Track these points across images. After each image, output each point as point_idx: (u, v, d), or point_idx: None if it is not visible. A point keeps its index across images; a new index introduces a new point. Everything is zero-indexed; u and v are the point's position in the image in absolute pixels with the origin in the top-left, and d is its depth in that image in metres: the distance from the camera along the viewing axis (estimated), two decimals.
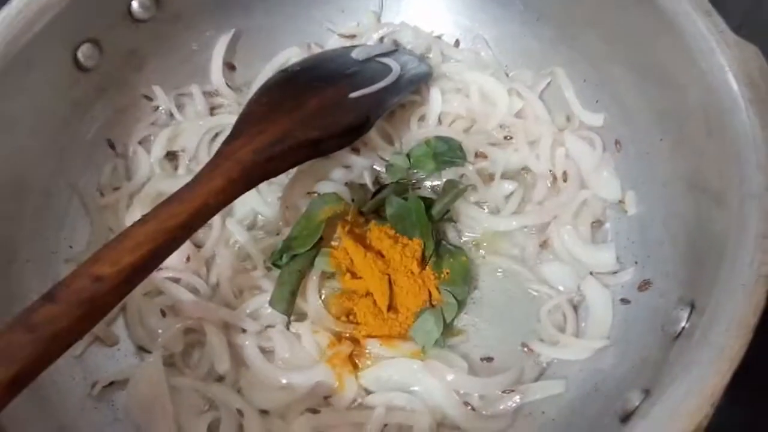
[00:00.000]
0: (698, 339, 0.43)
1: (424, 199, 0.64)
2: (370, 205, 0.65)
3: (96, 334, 0.61)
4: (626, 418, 0.45)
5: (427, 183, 0.70)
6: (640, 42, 0.62)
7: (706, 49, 0.53)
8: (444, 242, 0.65)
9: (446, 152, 0.69)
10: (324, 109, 0.62)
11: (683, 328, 0.48)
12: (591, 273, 0.63)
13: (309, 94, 0.63)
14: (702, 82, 0.53)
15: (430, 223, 0.64)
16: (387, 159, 0.70)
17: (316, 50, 0.78)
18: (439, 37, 0.79)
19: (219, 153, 0.55)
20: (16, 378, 0.39)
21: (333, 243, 0.64)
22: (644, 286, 0.60)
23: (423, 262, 0.63)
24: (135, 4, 0.65)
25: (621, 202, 0.66)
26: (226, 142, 0.56)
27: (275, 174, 0.58)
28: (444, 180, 0.69)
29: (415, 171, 0.70)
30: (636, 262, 0.62)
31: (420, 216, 0.64)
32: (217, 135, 0.73)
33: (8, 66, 0.56)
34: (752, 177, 0.48)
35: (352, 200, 0.65)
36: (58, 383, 0.57)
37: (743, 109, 0.50)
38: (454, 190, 0.65)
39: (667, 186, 0.60)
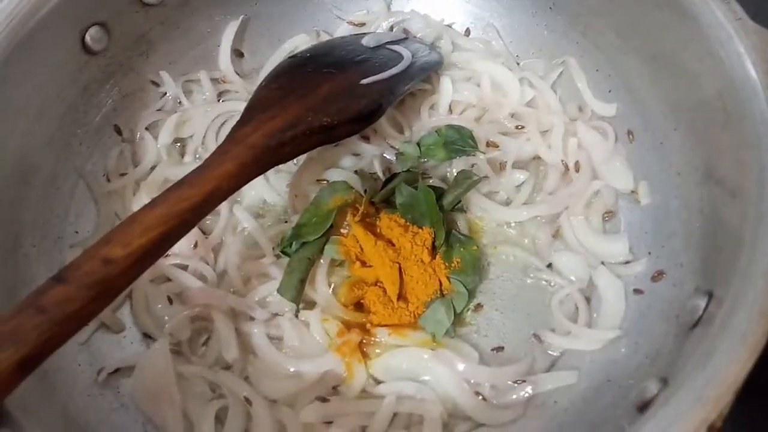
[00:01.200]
0: (718, 328, 0.43)
1: (434, 188, 0.64)
2: (381, 195, 0.65)
3: (102, 320, 0.60)
4: (644, 407, 0.44)
5: (438, 172, 0.70)
6: (654, 31, 0.61)
7: (724, 36, 0.53)
8: (455, 231, 0.64)
9: (457, 141, 0.69)
10: (335, 96, 0.61)
11: (700, 317, 0.48)
12: (603, 263, 0.62)
13: (320, 80, 0.62)
14: (719, 71, 0.53)
15: (441, 212, 0.63)
16: (397, 147, 0.69)
17: (325, 38, 0.78)
18: (449, 25, 0.78)
19: (230, 137, 0.54)
20: (26, 359, 0.38)
21: (343, 231, 0.63)
22: (658, 276, 0.59)
23: (433, 251, 0.62)
24: None
25: (634, 192, 0.65)
26: (237, 126, 0.55)
27: (286, 160, 0.58)
28: (455, 169, 0.68)
29: (425, 160, 0.69)
30: (649, 253, 0.61)
31: (430, 205, 0.63)
32: (225, 122, 0.72)
33: (15, 49, 0.55)
34: None
35: (364, 190, 0.64)
36: (64, 369, 0.56)
37: (763, 97, 0.50)
38: (467, 181, 0.65)
39: (682, 176, 0.60)
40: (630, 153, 0.67)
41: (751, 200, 0.48)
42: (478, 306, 0.62)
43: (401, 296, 0.60)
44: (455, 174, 0.67)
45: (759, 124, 0.49)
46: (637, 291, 0.60)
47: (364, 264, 0.61)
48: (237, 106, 0.71)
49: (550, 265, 0.64)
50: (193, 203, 0.48)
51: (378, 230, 0.63)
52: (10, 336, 0.38)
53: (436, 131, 0.70)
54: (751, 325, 0.40)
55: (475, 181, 0.65)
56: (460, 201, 0.66)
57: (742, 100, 0.51)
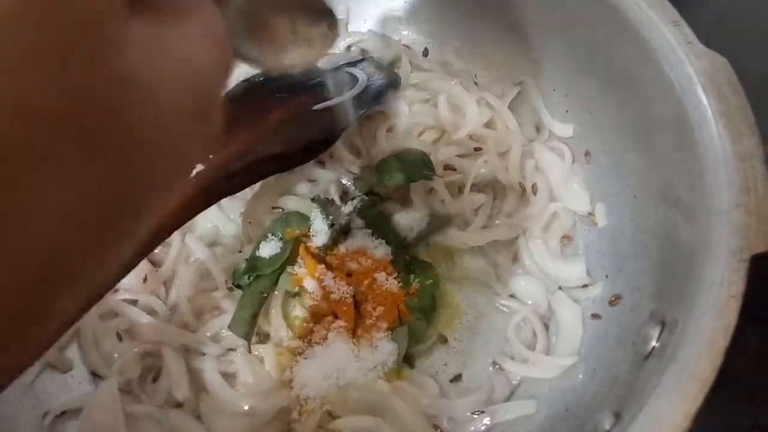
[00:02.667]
0: (668, 361, 0.42)
1: (392, 215, 0.63)
2: (329, 242, 0.62)
3: (48, 360, 0.58)
4: None
5: (397, 194, 0.68)
6: (608, 52, 0.61)
7: (675, 60, 0.53)
8: (413, 258, 0.63)
9: (415, 165, 0.68)
10: (286, 123, 0.59)
11: (654, 347, 0.47)
12: (560, 288, 0.62)
13: (271, 106, 0.60)
14: (670, 94, 0.52)
15: (399, 240, 0.62)
16: (354, 172, 0.68)
17: None
18: (407, 46, 0.77)
19: None
20: None
21: (299, 260, 0.62)
22: (615, 300, 0.58)
23: (392, 279, 0.61)
24: None
25: (591, 214, 0.65)
26: None
27: (236, 191, 0.56)
28: (413, 193, 0.67)
29: (382, 183, 0.68)
30: (606, 276, 0.61)
31: (388, 231, 0.62)
32: None
33: None
34: (721, 193, 0.47)
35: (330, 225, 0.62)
36: (6, 414, 0.53)
37: (713, 122, 0.49)
38: (437, 224, 0.64)
39: (638, 198, 0.59)
40: (587, 174, 0.66)
41: (702, 227, 0.48)
42: (438, 334, 0.61)
43: (359, 327, 0.59)
44: (430, 215, 0.65)
45: (709, 149, 0.49)
46: (594, 316, 0.59)
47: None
48: None
49: (509, 290, 0.63)
50: None
51: (334, 261, 0.61)
52: None
53: (393, 155, 0.69)
54: (699, 361, 0.40)
55: (444, 225, 0.64)
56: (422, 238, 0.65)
57: (693, 124, 0.51)
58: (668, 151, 0.54)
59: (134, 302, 0.60)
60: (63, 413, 0.56)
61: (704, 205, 0.48)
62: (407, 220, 0.65)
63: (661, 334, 0.48)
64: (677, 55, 0.53)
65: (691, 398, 0.39)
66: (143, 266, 0.60)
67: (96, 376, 0.59)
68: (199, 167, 0.52)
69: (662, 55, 0.53)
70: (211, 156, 0.53)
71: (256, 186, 0.66)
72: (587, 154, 0.66)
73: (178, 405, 0.57)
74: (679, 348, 0.42)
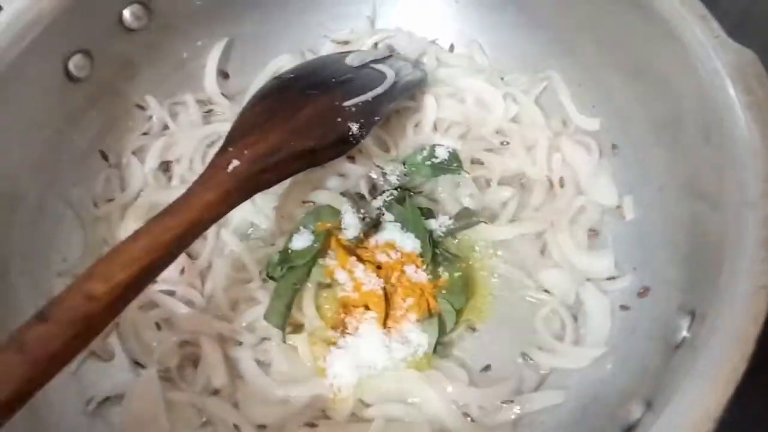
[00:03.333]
0: (699, 350, 0.43)
1: (421, 209, 0.64)
2: (359, 235, 0.64)
3: (91, 348, 0.60)
4: (628, 430, 0.44)
5: (425, 189, 0.70)
6: (635, 47, 0.61)
7: (703, 54, 0.53)
8: (442, 251, 0.64)
9: (442, 159, 0.69)
10: (318, 119, 0.61)
11: (684, 337, 0.48)
12: (588, 279, 0.63)
13: (302, 102, 0.62)
14: (699, 89, 0.53)
15: (428, 232, 0.63)
16: (383, 167, 0.70)
17: (310, 57, 0.78)
18: (433, 41, 0.78)
19: (212, 164, 0.54)
20: (9, 400, 0.38)
21: (331, 252, 0.63)
22: (644, 292, 0.59)
23: (421, 271, 0.62)
24: (127, 14, 0.65)
25: (619, 207, 0.65)
26: (219, 153, 0.56)
27: (270, 185, 0.58)
28: (440, 187, 0.68)
29: (410, 178, 0.69)
30: (635, 268, 0.62)
31: (418, 225, 0.63)
32: (212, 144, 0.72)
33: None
34: (750, 184, 0.47)
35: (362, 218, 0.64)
36: (53, 400, 0.56)
37: (741, 115, 0.50)
38: (466, 220, 0.65)
39: (665, 191, 0.60)
40: (615, 168, 0.67)
41: (730, 219, 0.48)
42: (467, 325, 0.62)
43: (390, 318, 0.61)
44: (459, 211, 0.67)
45: (737, 142, 0.50)
46: (623, 307, 0.60)
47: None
48: (223, 128, 0.71)
49: (537, 283, 0.64)
50: (176, 234, 0.48)
51: (364, 253, 0.63)
52: None
53: (421, 149, 0.70)
54: (729, 350, 0.40)
55: (475, 222, 0.65)
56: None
57: (721, 118, 0.51)
58: (696, 144, 0.55)
59: (172, 293, 0.62)
60: (106, 399, 0.58)
61: (732, 196, 0.49)
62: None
63: (691, 324, 0.48)
64: (705, 49, 0.53)
65: (723, 386, 0.40)
66: (181, 259, 0.62)
67: (137, 364, 0.61)
68: (236, 162, 0.54)
69: (690, 50, 0.54)
70: (246, 152, 0.55)
71: (288, 181, 0.67)
72: (614, 147, 0.67)
73: (216, 392, 0.59)
74: (710, 338, 0.43)
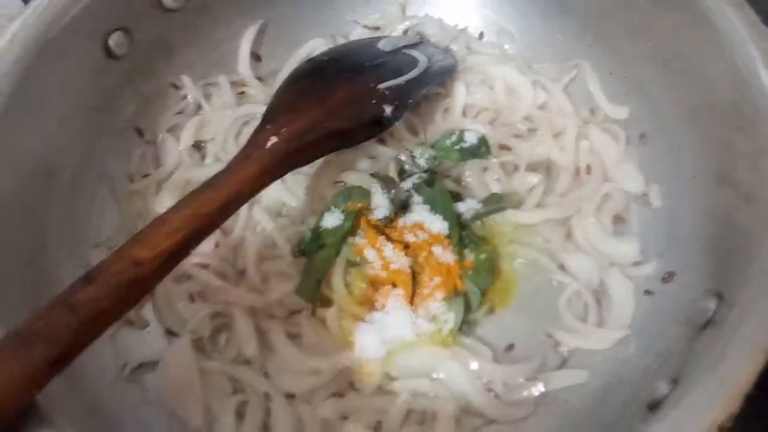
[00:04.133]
0: (729, 331, 0.44)
1: (450, 191, 0.65)
2: (389, 215, 0.65)
3: (127, 316, 0.62)
4: (654, 406, 0.45)
5: (453, 173, 0.71)
6: (667, 35, 0.62)
7: (737, 41, 0.54)
8: (468, 233, 0.66)
9: (471, 144, 0.70)
10: (353, 100, 0.62)
11: (710, 318, 0.49)
12: (613, 265, 0.63)
13: (337, 84, 0.63)
14: (733, 75, 0.54)
15: (457, 214, 0.64)
16: (412, 150, 0.71)
17: (341, 41, 0.79)
18: (463, 29, 0.79)
19: (251, 141, 0.56)
20: (57, 358, 0.40)
21: (360, 231, 0.65)
22: (668, 277, 0.60)
23: (448, 252, 0.63)
24: None
25: (645, 195, 0.66)
26: (258, 131, 0.57)
27: (305, 163, 0.59)
28: (468, 171, 0.70)
29: (437, 162, 0.70)
30: (660, 255, 0.62)
31: (446, 206, 0.64)
32: (244, 125, 0.73)
33: (40, 55, 0.56)
34: None
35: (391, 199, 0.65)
36: (90, 363, 0.57)
37: None
38: (495, 204, 0.66)
39: (695, 179, 0.60)
40: (642, 156, 0.68)
41: (764, 206, 0.49)
42: (491, 306, 0.63)
43: (417, 296, 0.62)
44: (487, 196, 0.68)
45: None
46: (647, 292, 0.61)
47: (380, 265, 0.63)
48: (255, 110, 0.73)
49: (562, 267, 0.65)
50: (217, 206, 0.49)
51: (393, 233, 0.64)
52: (41, 334, 0.39)
53: (450, 134, 0.71)
54: (762, 332, 0.41)
55: (503, 207, 0.66)
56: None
57: (757, 105, 0.52)
58: (728, 132, 0.55)
59: (206, 266, 0.64)
60: (140, 365, 0.60)
61: (765, 186, 0.50)
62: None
63: (718, 307, 0.49)
64: (741, 36, 0.54)
65: (753, 365, 0.40)
66: (215, 233, 0.64)
67: (170, 333, 0.62)
68: (274, 139, 0.55)
69: (725, 37, 0.55)
70: (283, 130, 0.56)
71: (319, 161, 0.69)
72: (643, 135, 0.68)
73: (247, 362, 0.60)
74: (742, 320, 0.44)
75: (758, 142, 0.51)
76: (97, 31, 0.62)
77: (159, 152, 0.72)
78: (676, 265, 0.60)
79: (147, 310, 0.63)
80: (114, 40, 0.64)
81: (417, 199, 0.66)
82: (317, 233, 0.64)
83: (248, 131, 0.72)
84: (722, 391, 0.40)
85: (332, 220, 0.64)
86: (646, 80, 0.66)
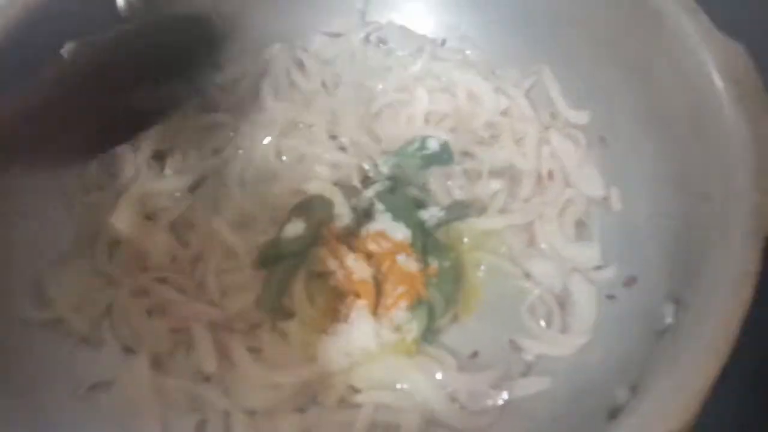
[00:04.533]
0: (684, 336, 0.44)
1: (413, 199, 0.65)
2: (351, 225, 0.65)
3: (82, 334, 0.60)
4: (614, 413, 0.45)
5: (416, 181, 0.70)
6: (625, 40, 0.62)
7: (691, 47, 0.54)
8: (432, 240, 0.65)
9: (433, 151, 0.69)
10: None
11: (669, 324, 0.49)
12: (576, 269, 0.63)
13: None
14: (687, 82, 0.54)
15: (420, 222, 0.64)
16: (374, 157, 0.70)
17: (300, 49, 0.78)
18: (424, 35, 0.79)
19: None
20: None
21: (322, 241, 0.64)
22: (630, 282, 0.60)
23: (412, 260, 0.63)
24: (121, 2, 0.65)
25: (605, 198, 0.66)
26: None
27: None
28: (431, 178, 0.69)
29: (401, 169, 0.70)
30: (621, 258, 0.62)
31: (410, 215, 0.64)
32: (206, 133, 0.72)
33: None
34: (737, 175, 0.48)
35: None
36: (43, 383, 0.56)
37: (729, 108, 0.51)
38: (458, 211, 0.66)
39: (653, 183, 0.61)
40: (602, 160, 0.68)
41: (718, 208, 0.49)
42: (455, 313, 0.63)
43: (380, 306, 0.61)
44: (451, 203, 0.68)
45: (726, 134, 0.51)
46: (610, 297, 0.61)
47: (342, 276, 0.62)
48: (217, 119, 0.72)
49: (526, 273, 0.65)
50: None
51: (356, 242, 0.63)
52: None
53: (412, 141, 0.70)
54: (715, 335, 0.41)
55: (466, 214, 0.66)
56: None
57: (709, 110, 0.52)
58: (685, 135, 0.56)
59: (164, 280, 0.63)
60: (96, 384, 0.58)
61: (720, 188, 0.50)
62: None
63: (676, 312, 0.49)
64: (694, 42, 0.54)
65: (708, 371, 0.40)
66: (172, 246, 0.63)
67: (128, 350, 0.60)
68: None
69: (679, 43, 0.55)
70: None
71: (279, 169, 0.68)
72: (602, 139, 0.68)
73: (207, 379, 0.59)
74: (696, 324, 0.44)
75: (712, 146, 0.51)
76: (52, 41, 0.60)
77: (116, 163, 0.70)
78: (637, 269, 0.60)
79: (103, 328, 0.62)
80: (68, 50, 0.62)
81: (379, 207, 0.65)
82: (278, 244, 0.63)
83: (210, 140, 0.71)
84: (677, 399, 0.39)
85: (293, 230, 0.63)
86: (605, 85, 0.67)
